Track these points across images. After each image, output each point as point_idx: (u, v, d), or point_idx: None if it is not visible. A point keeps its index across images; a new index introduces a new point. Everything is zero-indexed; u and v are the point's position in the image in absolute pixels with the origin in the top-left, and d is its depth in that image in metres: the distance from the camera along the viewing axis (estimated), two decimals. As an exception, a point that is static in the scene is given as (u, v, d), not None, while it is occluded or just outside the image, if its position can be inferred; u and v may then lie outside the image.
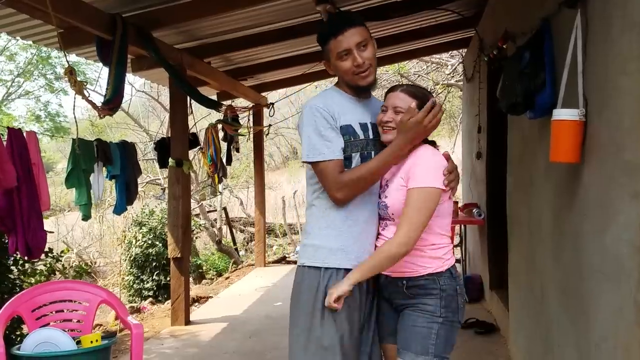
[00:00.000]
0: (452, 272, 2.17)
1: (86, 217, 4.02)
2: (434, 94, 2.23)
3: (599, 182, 2.12)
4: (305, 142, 2.14)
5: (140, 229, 7.87)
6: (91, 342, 2.58)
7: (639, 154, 1.74)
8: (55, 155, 21.62)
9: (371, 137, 2.19)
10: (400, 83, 2.30)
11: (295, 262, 10.09)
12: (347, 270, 2.12)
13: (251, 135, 7.82)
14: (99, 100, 3.64)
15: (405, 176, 2.09)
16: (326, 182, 2.12)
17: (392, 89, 2.20)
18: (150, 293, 7.60)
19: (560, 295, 2.65)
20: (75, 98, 3.19)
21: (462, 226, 6.57)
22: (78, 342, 2.65)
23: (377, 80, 2.23)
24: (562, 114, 2.23)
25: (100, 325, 6.17)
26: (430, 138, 2.22)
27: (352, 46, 2.11)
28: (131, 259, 7.76)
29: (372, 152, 2.17)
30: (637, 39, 1.76)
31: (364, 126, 2.19)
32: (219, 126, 6.57)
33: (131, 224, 8.38)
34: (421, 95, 2.14)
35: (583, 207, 2.30)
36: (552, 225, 2.77)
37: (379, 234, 2.22)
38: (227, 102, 7.00)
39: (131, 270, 7.79)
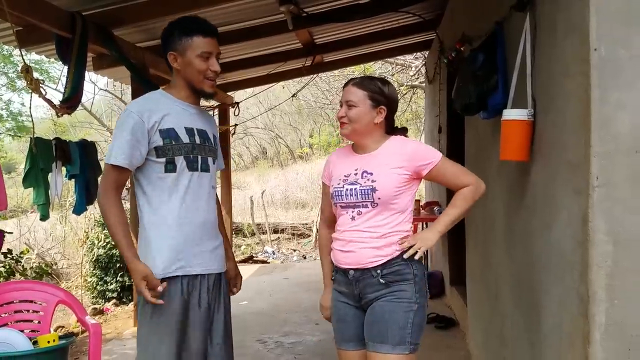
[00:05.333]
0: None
1: (44, 217, 3.97)
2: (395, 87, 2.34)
3: (545, 179, 2.20)
4: (112, 143, 2.17)
5: (104, 229, 7.76)
6: (48, 342, 2.56)
7: (581, 152, 1.82)
8: (17, 156, 21.04)
9: (197, 142, 2.22)
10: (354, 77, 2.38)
11: (262, 262, 10.12)
12: (180, 277, 2.17)
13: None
14: (58, 98, 3.60)
15: (403, 163, 2.16)
16: (104, 181, 2.15)
17: (345, 84, 2.25)
18: (115, 295, 7.48)
19: (513, 291, 2.73)
20: (31, 96, 3.15)
21: (424, 224, 6.69)
22: (35, 343, 2.63)
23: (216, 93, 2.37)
24: (512, 114, 2.31)
25: (63, 327, 6.08)
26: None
27: (215, 53, 2.21)
28: (94, 260, 7.64)
29: (199, 157, 2.21)
30: (579, 42, 1.83)
31: (189, 131, 2.21)
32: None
33: (94, 225, 8.25)
34: (372, 87, 2.20)
35: (531, 204, 2.39)
36: (504, 222, 2.86)
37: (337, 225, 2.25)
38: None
39: (94, 271, 7.66)
